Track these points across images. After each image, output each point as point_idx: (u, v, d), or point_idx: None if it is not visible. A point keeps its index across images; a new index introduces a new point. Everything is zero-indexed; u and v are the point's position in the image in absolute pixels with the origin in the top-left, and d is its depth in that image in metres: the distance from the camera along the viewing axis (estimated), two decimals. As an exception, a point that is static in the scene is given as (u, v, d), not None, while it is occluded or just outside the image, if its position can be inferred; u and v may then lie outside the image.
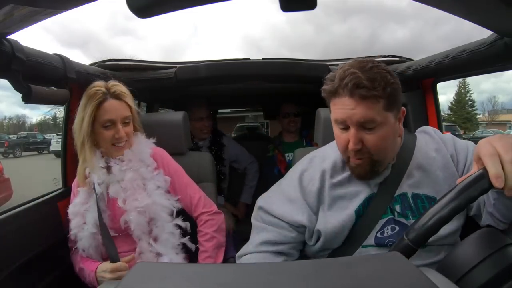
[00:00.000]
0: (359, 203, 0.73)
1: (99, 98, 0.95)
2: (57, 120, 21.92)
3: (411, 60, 1.31)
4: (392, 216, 0.73)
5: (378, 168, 0.71)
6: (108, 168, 0.99)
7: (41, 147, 14.23)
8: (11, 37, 0.73)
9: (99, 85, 0.97)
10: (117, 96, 0.98)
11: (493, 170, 0.48)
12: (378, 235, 0.73)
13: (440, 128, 1.25)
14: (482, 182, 0.49)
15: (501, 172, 0.48)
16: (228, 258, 1.13)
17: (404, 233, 0.51)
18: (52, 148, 13.00)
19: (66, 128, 1.24)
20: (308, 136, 1.94)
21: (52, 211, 1.11)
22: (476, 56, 0.86)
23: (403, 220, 0.73)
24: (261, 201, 0.80)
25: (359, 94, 0.64)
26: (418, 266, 0.34)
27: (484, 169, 0.49)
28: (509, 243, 0.48)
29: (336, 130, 0.72)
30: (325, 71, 1.34)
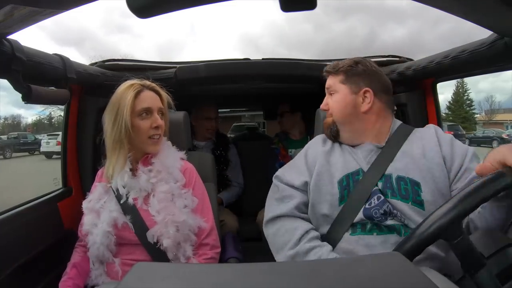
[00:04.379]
0: (343, 174, 0.84)
1: (136, 88, 0.94)
2: (53, 120, 21.22)
3: (411, 60, 1.31)
4: (377, 187, 0.81)
5: (336, 128, 0.90)
6: (133, 173, 0.95)
7: (33, 147, 13.82)
8: (11, 37, 0.73)
9: (132, 81, 0.97)
10: (153, 88, 0.98)
11: None
12: (366, 205, 0.80)
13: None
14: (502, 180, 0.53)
15: None
16: (228, 258, 1.12)
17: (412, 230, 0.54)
18: (42, 149, 12.53)
19: (66, 128, 1.24)
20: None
21: (52, 211, 1.11)
22: (476, 56, 0.86)
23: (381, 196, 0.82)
24: (278, 171, 0.96)
25: (327, 72, 0.94)
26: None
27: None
28: (509, 243, 0.48)
29: None
30: None
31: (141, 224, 0.91)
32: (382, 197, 0.79)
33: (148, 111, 0.94)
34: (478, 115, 26.96)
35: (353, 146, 0.90)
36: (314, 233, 0.82)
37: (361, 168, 0.84)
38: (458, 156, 0.80)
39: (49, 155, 12.05)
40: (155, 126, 0.94)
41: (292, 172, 0.92)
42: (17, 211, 0.97)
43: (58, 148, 11.92)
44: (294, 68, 1.40)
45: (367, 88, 0.87)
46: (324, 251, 0.77)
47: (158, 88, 1.00)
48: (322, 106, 0.94)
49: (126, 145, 0.93)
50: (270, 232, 0.87)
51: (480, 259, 0.46)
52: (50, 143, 12.06)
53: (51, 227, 1.09)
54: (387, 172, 0.82)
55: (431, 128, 0.89)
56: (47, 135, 13.23)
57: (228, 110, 6.14)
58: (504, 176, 0.53)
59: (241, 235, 1.69)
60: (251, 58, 1.44)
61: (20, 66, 0.77)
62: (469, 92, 26.53)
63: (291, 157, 1.80)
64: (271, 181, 0.95)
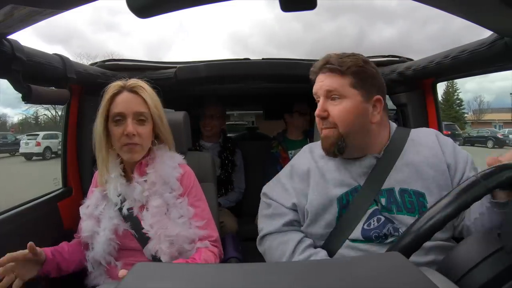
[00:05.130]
0: (343, 192, 0.77)
1: (114, 91, 0.88)
2: (39, 119, 20.51)
3: (411, 60, 1.31)
4: (377, 207, 0.76)
5: (344, 144, 0.76)
6: (128, 180, 0.92)
7: (13, 148, 13.13)
8: (11, 37, 0.73)
9: (116, 82, 0.91)
10: (132, 89, 0.89)
11: None
12: (365, 226, 0.75)
13: (440, 128, 1.25)
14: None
15: None
16: (228, 258, 1.12)
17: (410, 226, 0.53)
18: (21, 150, 11.94)
19: (66, 128, 1.24)
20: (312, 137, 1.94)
21: (52, 211, 1.11)
22: (476, 56, 0.86)
23: (386, 214, 0.76)
24: (265, 188, 0.91)
25: (327, 69, 0.76)
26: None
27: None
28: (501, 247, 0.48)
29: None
30: None
31: (141, 231, 0.90)
32: (383, 219, 0.74)
33: (121, 116, 0.87)
34: (467, 115, 27.18)
35: (349, 159, 0.80)
36: (307, 242, 0.79)
37: (359, 184, 0.78)
38: (461, 164, 0.77)
39: (28, 156, 11.62)
40: (126, 134, 0.86)
41: (279, 191, 0.86)
42: (17, 211, 0.97)
43: (37, 149, 11.58)
44: (294, 68, 1.40)
45: (379, 96, 0.76)
46: (319, 257, 0.75)
47: (140, 88, 0.90)
48: (319, 112, 0.77)
49: (105, 152, 0.90)
50: (263, 248, 0.86)
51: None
52: (29, 144, 11.62)
53: (51, 227, 1.08)
54: (388, 186, 0.76)
55: (431, 133, 0.84)
56: (26, 135, 12.70)
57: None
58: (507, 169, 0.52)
59: (241, 235, 1.69)
60: (240, 57, 1.44)
61: (20, 66, 0.77)
62: (459, 92, 26.68)
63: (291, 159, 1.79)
64: None
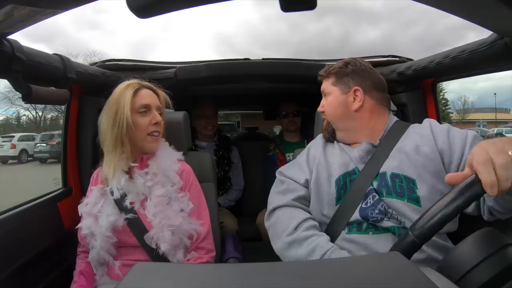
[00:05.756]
0: (340, 174, 0.85)
1: (135, 87, 0.95)
2: (21, 120, 19.34)
3: (411, 60, 1.31)
4: (373, 187, 0.82)
5: (331, 129, 0.94)
6: (130, 175, 0.95)
7: None
8: (11, 37, 0.73)
9: (130, 81, 0.98)
10: (150, 88, 0.99)
11: (487, 179, 0.48)
12: (363, 205, 0.80)
13: None
14: (475, 188, 0.49)
15: (495, 180, 0.48)
16: (228, 258, 1.12)
17: (409, 229, 0.52)
18: None
19: (66, 128, 1.24)
20: (311, 137, 1.93)
21: (52, 211, 1.11)
22: (476, 56, 0.86)
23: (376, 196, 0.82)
24: (281, 168, 0.99)
25: (320, 75, 0.98)
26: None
27: (477, 176, 0.50)
28: (509, 243, 0.48)
29: None
30: None
31: (140, 227, 0.91)
32: (377, 196, 0.80)
33: (147, 108, 0.95)
34: (452, 115, 27.40)
35: (350, 145, 0.91)
36: (312, 222, 0.83)
37: (357, 167, 0.85)
38: (457, 146, 0.78)
39: (4, 160, 10.97)
40: (155, 123, 0.95)
41: (294, 169, 0.94)
42: (17, 211, 0.97)
43: (13, 152, 10.86)
44: (294, 68, 1.40)
45: (356, 87, 0.89)
46: (321, 240, 0.78)
47: (155, 87, 1.01)
48: (318, 108, 0.97)
49: (127, 143, 0.92)
50: (270, 223, 0.88)
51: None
52: (4, 146, 11.05)
53: (51, 227, 1.08)
54: (381, 170, 0.82)
55: (425, 122, 0.89)
56: (1, 137, 12.15)
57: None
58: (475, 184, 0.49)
59: (241, 235, 1.69)
60: (225, 57, 1.45)
61: (20, 66, 0.77)
62: (444, 92, 26.86)
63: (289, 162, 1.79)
64: (271, 185, 0.96)
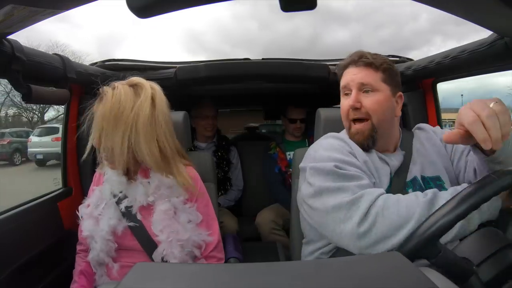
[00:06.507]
0: (387, 186, 0.79)
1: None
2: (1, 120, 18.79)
3: (411, 60, 1.31)
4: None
5: (376, 135, 0.79)
6: (130, 179, 0.92)
7: None
8: (11, 37, 0.73)
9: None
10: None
11: (480, 136, 0.53)
12: None
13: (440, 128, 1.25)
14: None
15: (487, 135, 0.53)
16: (228, 258, 1.12)
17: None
18: None
19: (66, 128, 1.24)
20: (312, 137, 1.93)
21: (52, 211, 1.11)
22: (476, 56, 0.87)
23: None
24: (310, 163, 0.79)
25: (362, 62, 0.80)
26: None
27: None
28: (509, 243, 0.48)
29: (342, 99, 0.84)
30: (325, 71, 1.35)
31: (141, 230, 0.89)
32: None
33: None
34: None
35: (383, 153, 0.83)
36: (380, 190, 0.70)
37: (393, 176, 0.82)
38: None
39: None
40: None
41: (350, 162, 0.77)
42: (17, 211, 0.97)
43: None
44: (294, 68, 1.40)
45: (401, 93, 0.84)
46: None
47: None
48: (353, 102, 0.78)
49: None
50: (376, 211, 0.66)
51: (467, 270, 0.46)
52: None
53: (51, 227, 1.08)
54: (410, 177, 0.81)
55: (423, 126, 0.92)
56: None
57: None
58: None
59: (241, 235, 1.69)
60: (196, 54, 1.46)
61: (20, 66, 0.77)
62: None
63: (290, 163, 1.79)
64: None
